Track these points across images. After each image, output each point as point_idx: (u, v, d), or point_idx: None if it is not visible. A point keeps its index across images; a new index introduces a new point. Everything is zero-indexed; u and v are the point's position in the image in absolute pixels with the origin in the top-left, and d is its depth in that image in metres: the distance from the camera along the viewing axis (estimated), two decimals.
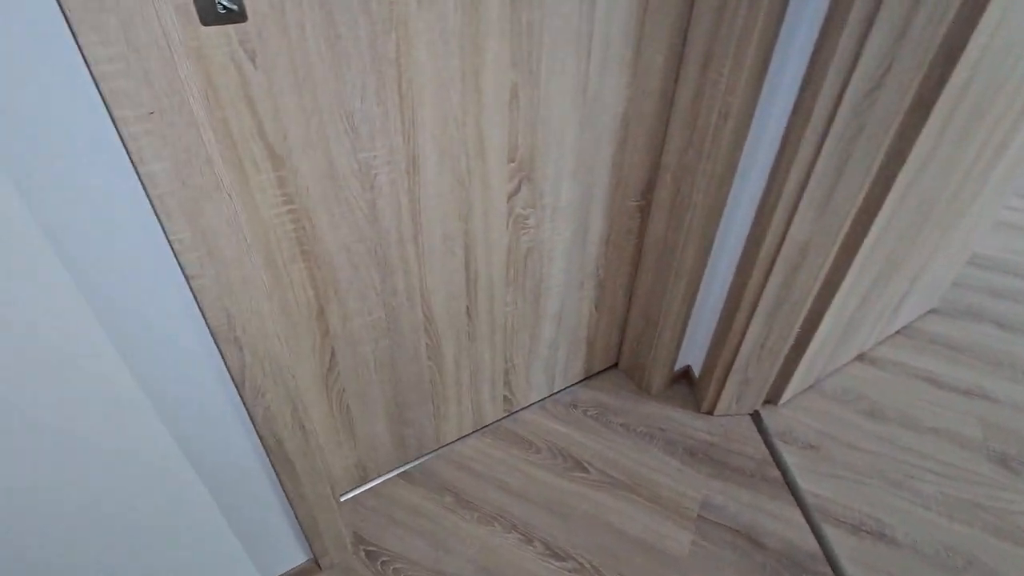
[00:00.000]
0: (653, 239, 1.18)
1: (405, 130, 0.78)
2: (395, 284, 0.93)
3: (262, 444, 0.79)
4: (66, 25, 0.44)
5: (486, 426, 1.32)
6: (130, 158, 0.51)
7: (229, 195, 0.58)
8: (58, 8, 0.43)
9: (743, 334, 1.16)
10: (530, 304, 1.15)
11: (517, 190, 0.96)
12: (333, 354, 0.94)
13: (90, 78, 0.47)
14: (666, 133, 1.05)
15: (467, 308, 1.06)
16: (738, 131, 0.95)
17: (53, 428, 0.52)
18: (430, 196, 0.87)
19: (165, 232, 0.56)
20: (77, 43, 0.44)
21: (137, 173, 0.52)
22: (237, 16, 0.59)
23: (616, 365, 1.48)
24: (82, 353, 0.50)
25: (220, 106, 0.63)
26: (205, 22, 0.58)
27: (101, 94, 0.47)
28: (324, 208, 0.78)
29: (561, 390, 1.41)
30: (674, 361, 1.36)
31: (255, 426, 0.76)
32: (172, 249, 0.57)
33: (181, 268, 0.59)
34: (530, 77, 0.84)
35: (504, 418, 1.33)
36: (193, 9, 0.57)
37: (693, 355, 1.39)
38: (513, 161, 0.92)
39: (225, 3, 0.56)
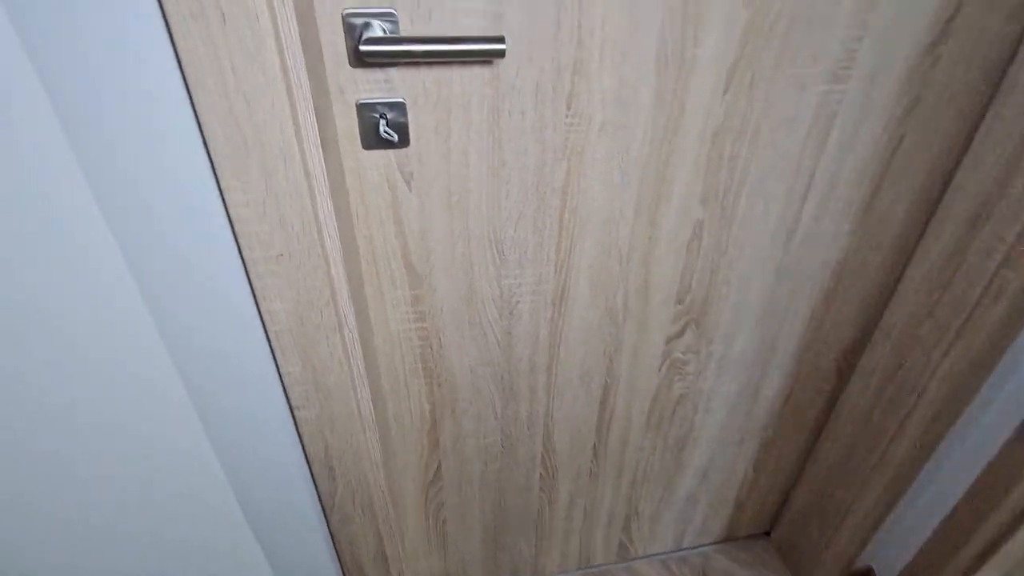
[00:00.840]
0: (850, 410, 0.92)
1: (559, 260, 0.68)
2: (517, 412, 0.82)
3: (341, 567, 0.73)
4: (209, 167, 0.41)
5: (593, 567, 1.14)
6: (253, 295, 0.47)
7: (344, 334, 0.53)
8: (204, 149, 0.41)
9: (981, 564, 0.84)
10: (671, 453, 0.96)
11: (680, 334, 0.80)
12: (439, 468, 0.86)
13: (226, 217, 0.44)
14: (893, 293, 0.81)
15: (594, 446, 0.91)
16: (1013, 317, 0.68)
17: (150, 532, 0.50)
18: (574, 329, 0.75)
19: (277, 364, 0.52)
20: (219, 186, 0.42)
21: (258, 308, 0.48)
22: (399, 143, 0.55)
23: (768, 534, 1.20)
24: (194, 473, 0.47)
25: (367, 223, 0.59)
26: (367, 147, 0.55)
27: (235, 234, 0.44)
28: (455, 328, 0.71)
29: (691, 548, 1.17)
30: (853, 558, 1.05)
31: (337, 550, 0.70)
32: (281, 381, 0.53)
33: (287, 398, 0.55)
34: (721, 216, 0.69)
35: (616, 564, 1.14)
36: (358, 134, 0.54)
37: (882, 557, 1.06)
38: (681, 303, 0.76)
39: (388, 131, 0.52)
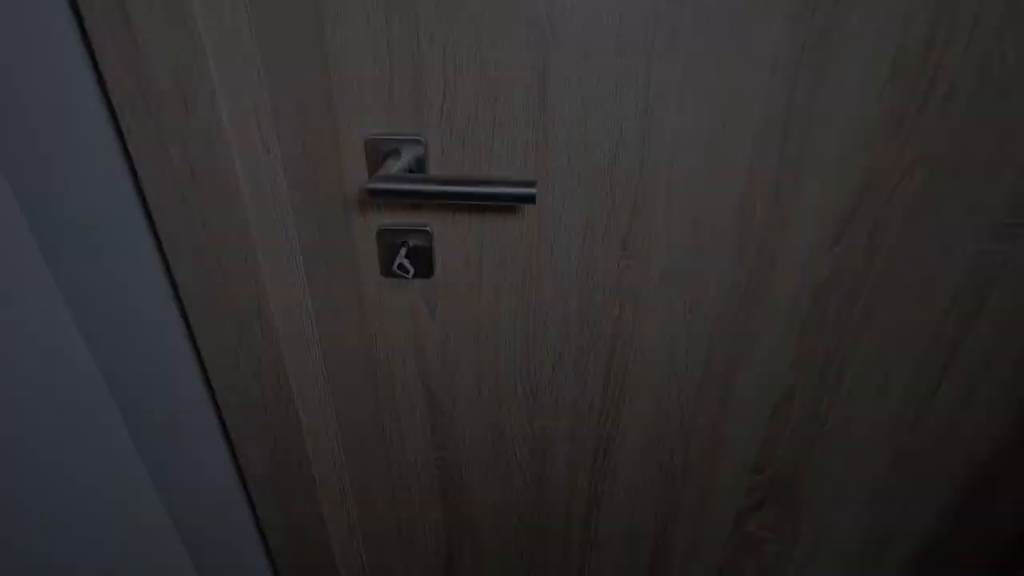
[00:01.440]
0: None
1: (604, 410, 0.57)
2: (547, 560, 0.71)
3: None
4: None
5: None
6: (230, 442, 0.43)
7: (316, 493, 0.46)
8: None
9: None
10: None
11: (756, 507, 0.64)
12: None
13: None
14: None
15: None
16: None
17: None
18: (619, 483, 0.63)
19: (256, 514, 0.47)
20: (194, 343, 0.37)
21: (233, 454, 0.43)
22: (421, 273, 0.49)
23: None
24: None
25: (386, 346, 0.53)
26: (386, 273, 0.49)
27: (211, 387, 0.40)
28: (479, 463, 0.62)
29: None
30: None
31: None
32: (259, 528, 0.48)
33: (265, 543, 0.49)
34: (818, 383, 0.54)
35: None
36: (377, 260, 0.48)
37: None
38: (760, 474, 0.61)
39: (404, 264, 0.46)
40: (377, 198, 0.42)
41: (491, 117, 0.42)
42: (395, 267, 0.46)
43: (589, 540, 0.69)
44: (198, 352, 0.43)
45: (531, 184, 0.39)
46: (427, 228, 0.47)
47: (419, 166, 0.44)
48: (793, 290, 0.48)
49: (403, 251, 0.47)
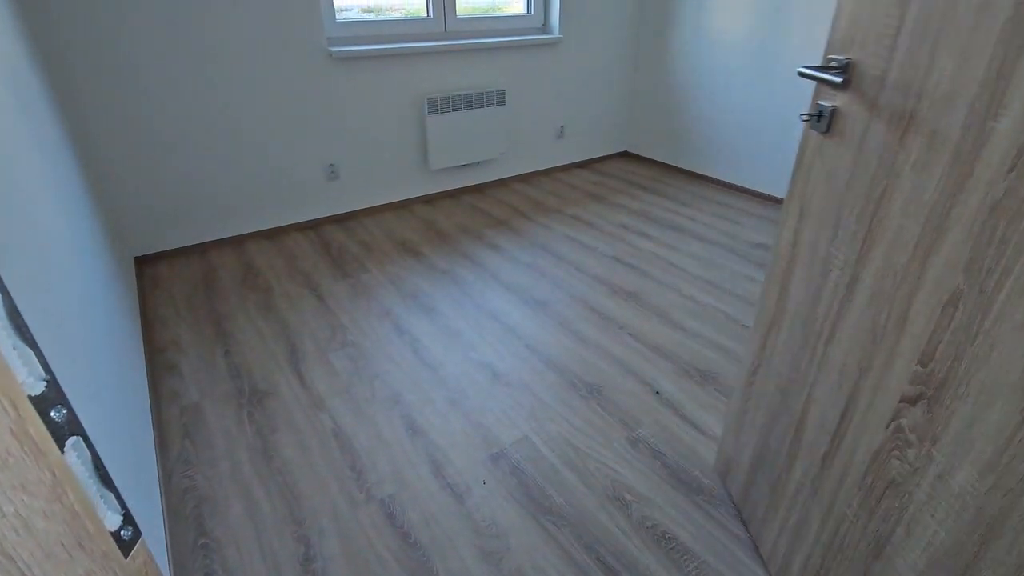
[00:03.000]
0: None
1: (862, 250, 0.90)
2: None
3: None
4: None
5: None
6: None
7: None
8: None
9: None
10: (868, 541, 0.90)
11: (914, 401, 0.80)
12: None
13: None
14: None
15: (824, 453, 1.01)
16: None
17: None
18: (848, 324, 0.93)
19: None
20: None
21: None
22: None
23: None
24: None
25: None
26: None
27: None
28: None
29: None
30: None
31: None
32: None
33: None
34: (980, 293, 0.68)
35: None
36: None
37: None
38: (923, 367, 0.78)
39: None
40: None
41: None
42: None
43: (823, 362, 1.01)
44: None
45: None
46: None
47: None
48: (977, 200, 0.68)
49: None
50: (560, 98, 3.72)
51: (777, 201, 3.37)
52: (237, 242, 2.87)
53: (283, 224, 2.98)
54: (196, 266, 2.64)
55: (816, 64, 0.98)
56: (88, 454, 0.53)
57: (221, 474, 1.53)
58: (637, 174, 3.91)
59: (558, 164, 3.98)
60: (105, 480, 0.55)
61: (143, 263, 2.65)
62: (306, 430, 1.67)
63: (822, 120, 0.98)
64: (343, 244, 2.86)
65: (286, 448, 1.61)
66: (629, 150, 4.30)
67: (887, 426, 0.85)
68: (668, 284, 2.48)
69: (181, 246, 2.74)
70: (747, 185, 3.53)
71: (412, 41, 3.00)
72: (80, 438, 0.51)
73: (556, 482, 1.50)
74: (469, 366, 1.95)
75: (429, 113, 3.09)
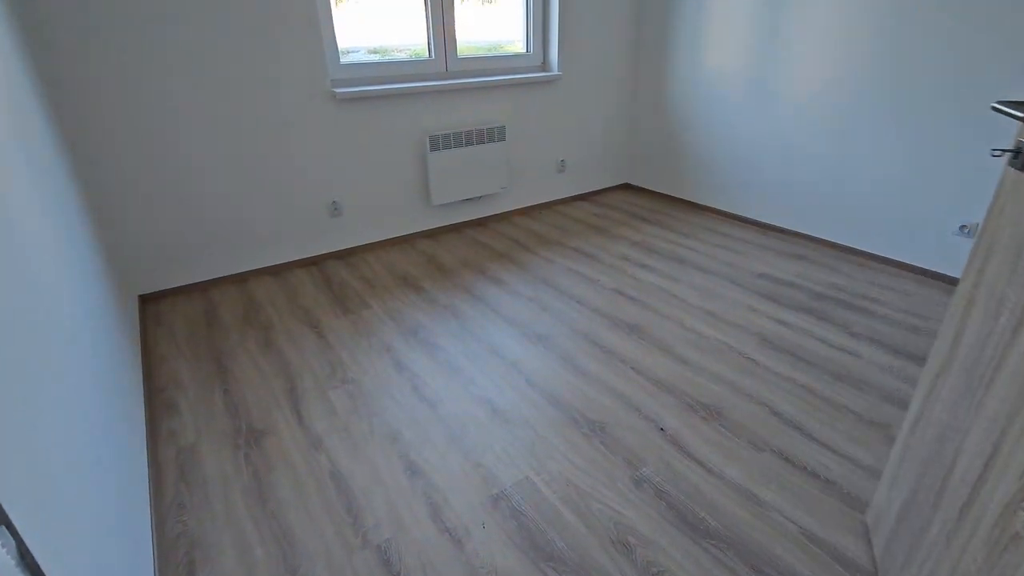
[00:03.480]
0: None
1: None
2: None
3: None
4: None
5: None
6: None
7: None
8: None
9: None
10: None
11: None
12: None
13: None
14: None
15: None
16: None
17: None
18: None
19: None
20: None
21: None
22: None
23: None
24: None
25: None
26: None
27: None
28: None
29: None
30: None
31: None
32: None
33: None
34: None
35: None
36: None
37: None
38: None
39: None
40: None
41: None
42: None
43: None
44: None
45: None
46: None
47: None
48: None
49: None
50: (560, 132, 3.78)
51: (779, 231, 3.37)
52: (240, 279, 2.88)
53: (286, 260, 3.00)
54: (199, 303, 2.65)
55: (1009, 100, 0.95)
56: (13, 542, 0.51)
57: (215, 518, 1.49)
58: (638, 205, 3.93)
59: (559, 197, 4.01)
60: (32, 569, 0.53)
61: (147, 301, 2.67)
62: (302, 471, 1.64)
63: (1020, 156, 0.95)
64: (345, 279, 2.87)
65: (282, 490, 1.58)
66: (630, 182, 4.34)
67: (1021, 476, 0.81)
68: (670, 316, 2.45)
69: (185, 284, 2.76)
70: (749, 215, 3.53)
71: (414, 81, 3.08)
72: (4, 527, 0.49)
73: (557, 525, 1.45)
74: (469, 402, 1.92)
75: (431, 150, 3.14)
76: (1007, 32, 2.28)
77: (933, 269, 2.77)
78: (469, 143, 3.26)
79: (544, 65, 3.62)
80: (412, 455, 1.70)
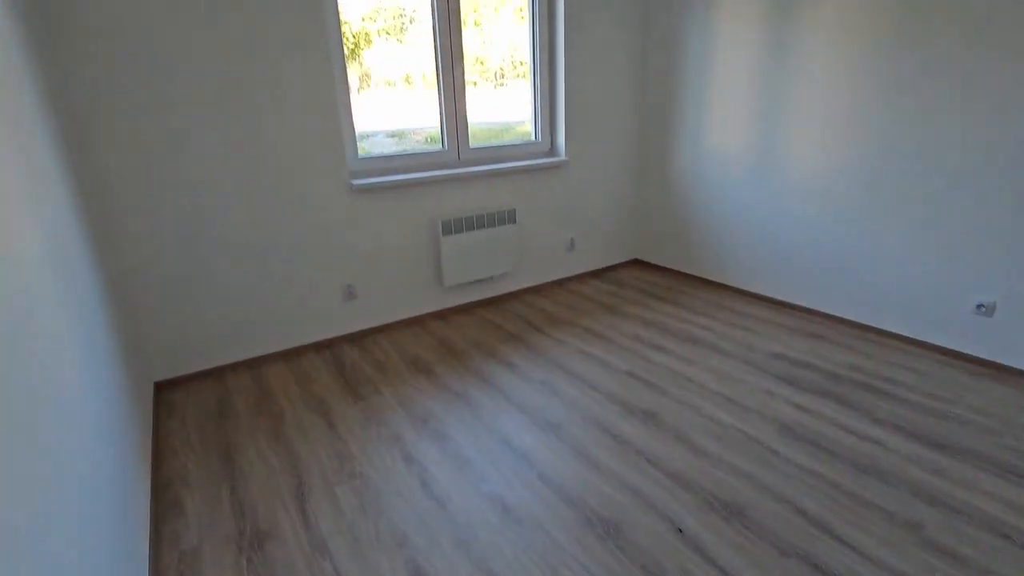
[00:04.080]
0: None
1: None
2: None
3: None
4: None
5: None
6: None
7: None
8: None
9: None
10: None
11: None
12: None
13: None
14: None
15: None
16: None
17: None
18: None
19: None
20: None
21: None
22: None
23: None
24: None
25: None
26: None
27: None
28: None
29: None
30: None
31: None
32: None
33: None
34: None
35: None
36: None
37: None
38: None
39: None
40: None
41: None
42: None
43: None
44: None
45: None
46: None
47: None
48: None
49: None
50: (569, 213, 3.89)
51: (793, 307, 3.35)
52: (254, 364, 2.91)
53: (299, 344, 3.04)
54: (211, 391, 2.66)
55: None
56: None
57: None
58: (649, 282, 3.95)
59: (570, 274, 4.06)
60: None
61: (162, 388, 2.70)
62: None
63: None
64: (357, 363, 2.88)
65: None
66: (640, 258, 4.39)
67: None
68: (686, 402, 2.40)
69: (201, 369, 2.79)
70: (763, 292, 3.53)
71: (428, 170, 3.22)
72: None
73: None
74: (479, 500, 1.87)
75: (444, 234, 3.23)
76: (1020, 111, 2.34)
77: (952, 348, 2.71)
78: (480, 226, 3.36)
79: (552, 151, 3.78)
80: (419, 560, 1.63)
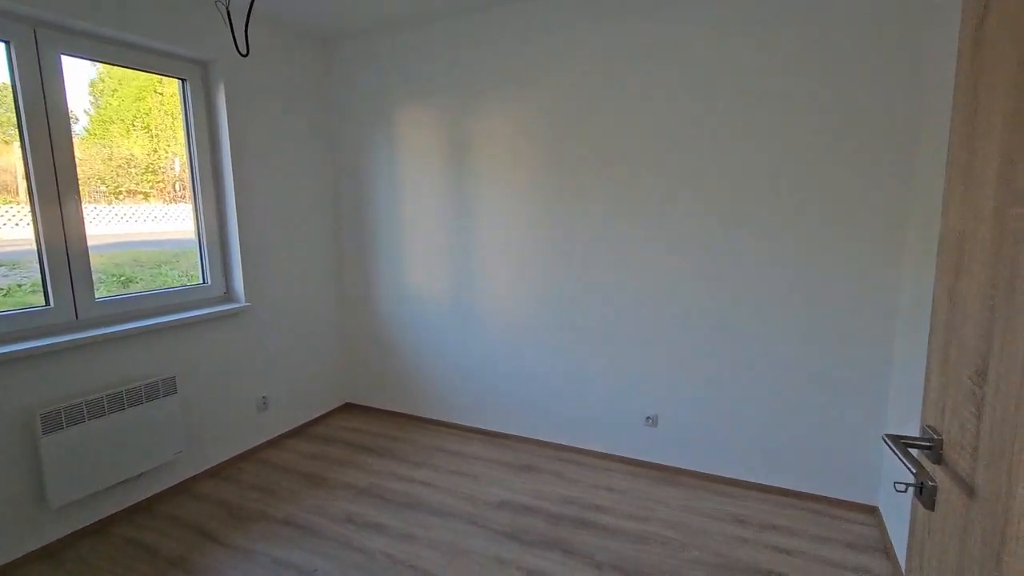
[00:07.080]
0: None
1: None
2: None
3: None
4: None
5: None
6: None
7: None
8: None
9: None
10: None
11: None
12: None
13: None
14: None
15: None
16: None
17: None
18: None
19: None
20: None
21: None
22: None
23: None
24: None
25: None
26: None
27: None
28: None
29: None
30: None
31: None
32: None
33: None
34: None
35: None
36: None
37: None
38: None
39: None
40: None
41: None
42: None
43: None
44: None
45: None
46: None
47: None
48: None
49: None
50: (257, 368, 3.23)
51: (507, 437, 3.34)
52: None
53: None
54: None
55: None
56: None
57: None
58: (362, 431, 3.51)
59: (265, 439, 3.32)
60: None
61: None
62: None
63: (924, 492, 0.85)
64: None
65: None
66: (352, 401, 3.93)
67: None
68: None
69: None
70: (478, 425, 3.46)
71: (17, 343, 2.22)
72: None
73: None
74: None
75: (45, 433, 2.21)
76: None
77: (635, 457, 3.02)
78: (117, 408, 2.45)
79: (228, 296, 3.14)
80: None
